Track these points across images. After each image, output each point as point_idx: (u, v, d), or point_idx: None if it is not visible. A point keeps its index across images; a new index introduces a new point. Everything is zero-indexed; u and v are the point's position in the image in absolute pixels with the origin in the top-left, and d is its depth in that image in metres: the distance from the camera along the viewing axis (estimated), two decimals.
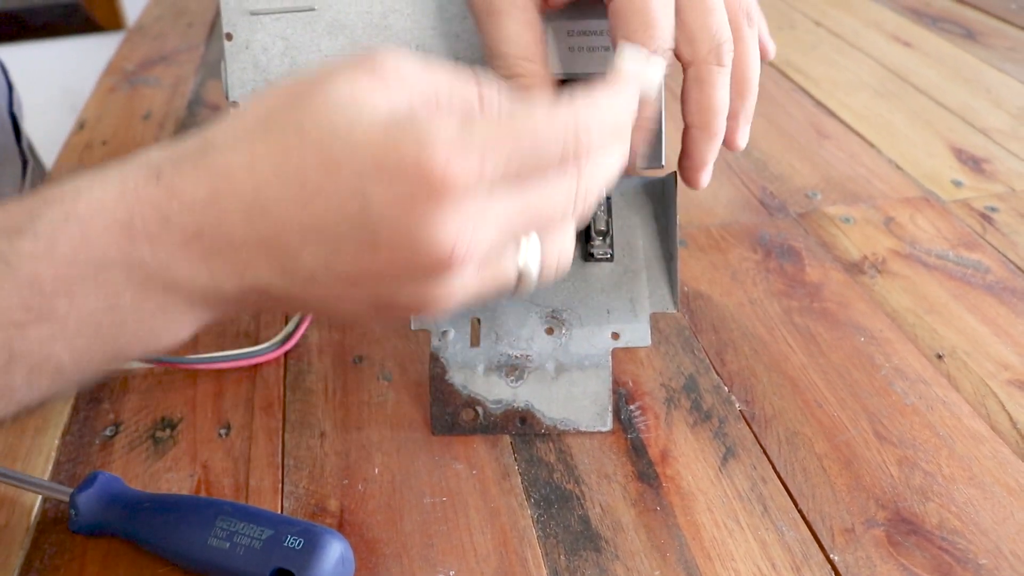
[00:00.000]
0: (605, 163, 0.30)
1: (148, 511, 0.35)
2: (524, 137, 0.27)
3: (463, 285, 0.28)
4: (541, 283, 0.31)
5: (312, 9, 0.41)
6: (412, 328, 0.41)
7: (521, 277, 0.30)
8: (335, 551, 0.32)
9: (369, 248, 0.27)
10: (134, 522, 0.35)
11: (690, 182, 0.39)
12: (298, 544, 0.32)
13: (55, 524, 0.37)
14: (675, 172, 0.41)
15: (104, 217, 0.27)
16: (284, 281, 0.28)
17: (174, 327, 0.30)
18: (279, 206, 0.27)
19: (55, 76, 1.45)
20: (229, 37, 0.41)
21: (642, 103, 0.33)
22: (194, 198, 0.27)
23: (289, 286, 0.29)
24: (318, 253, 0.27)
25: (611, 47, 0.34)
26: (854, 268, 0.50)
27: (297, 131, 0.27)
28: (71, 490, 0.36)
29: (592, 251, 0.41)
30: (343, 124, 0.27)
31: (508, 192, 0.27)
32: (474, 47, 0.41)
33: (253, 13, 0.41)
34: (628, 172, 0.45)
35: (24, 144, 0.67)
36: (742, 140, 0.40)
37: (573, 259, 0.41)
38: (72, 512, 0.36)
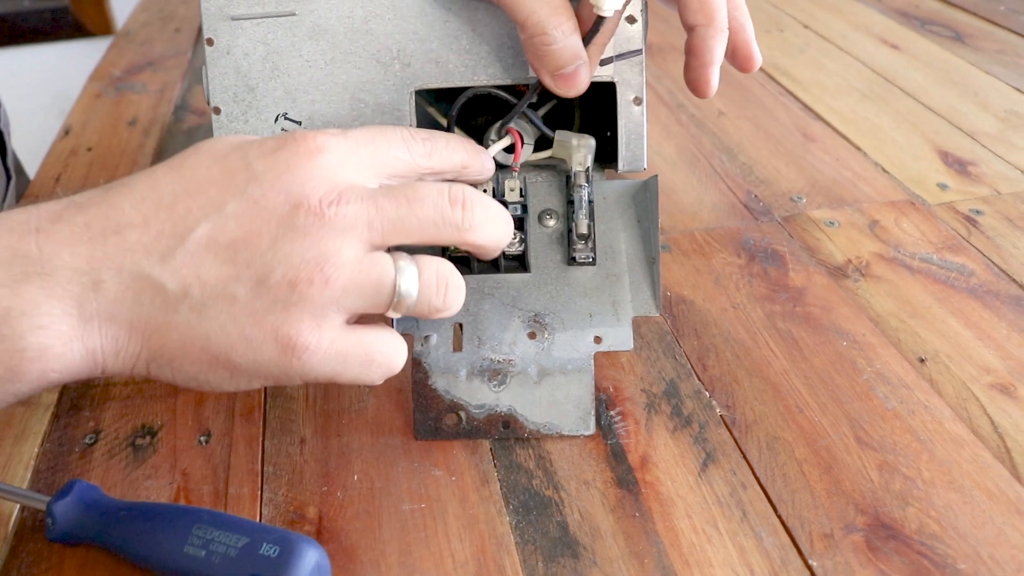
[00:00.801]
0: (479, 198, 0.35)
1: (125, 520, 0.35)
2: (383, 130, 0.35)
3: (339, 254, 0.32)
4: (426, 310, 0.35)
5: (293, 14, 0.41)
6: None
7: (398, 290, 0.33)
8: (310, 559, 0.32)
9: (251, 206, 0.32)
10: (111, 531, 0.35)
11: (700, 85, 0.38)
12: (274, 552, 0.32)
13: (33, 533, 0.37)
14: (656, 176, 0.41)
15: (6, 221, 0.32)
16: (164, 269, 0.32)
17: (37, 337, 0.31)
18: (171, 191, 0.32)
19: (44, 81, 1.45)
20: (210, 42, 0.41)
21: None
22: (87, 201, 0.33)
23: (168, 276, 0.32)
24: (205, 226, 0.32)
25: None
26: (838, 272, 0.50)
27: (194, 149, 0.34)
28: (48, 499, 0.36)
29: (574, 255, 0.41)
30: (233, 139, 0.34)
31: (381, 187, 0.34)
32: (453, 50, 0.41)
33: (234, 18, 0.41)
34: (610, 175, 0.45)
35: (9, 159, 0.66)
36: (758, 55, 0.39)
37: (556, 263, 0.42)
38: (49, 521, 0.36)
